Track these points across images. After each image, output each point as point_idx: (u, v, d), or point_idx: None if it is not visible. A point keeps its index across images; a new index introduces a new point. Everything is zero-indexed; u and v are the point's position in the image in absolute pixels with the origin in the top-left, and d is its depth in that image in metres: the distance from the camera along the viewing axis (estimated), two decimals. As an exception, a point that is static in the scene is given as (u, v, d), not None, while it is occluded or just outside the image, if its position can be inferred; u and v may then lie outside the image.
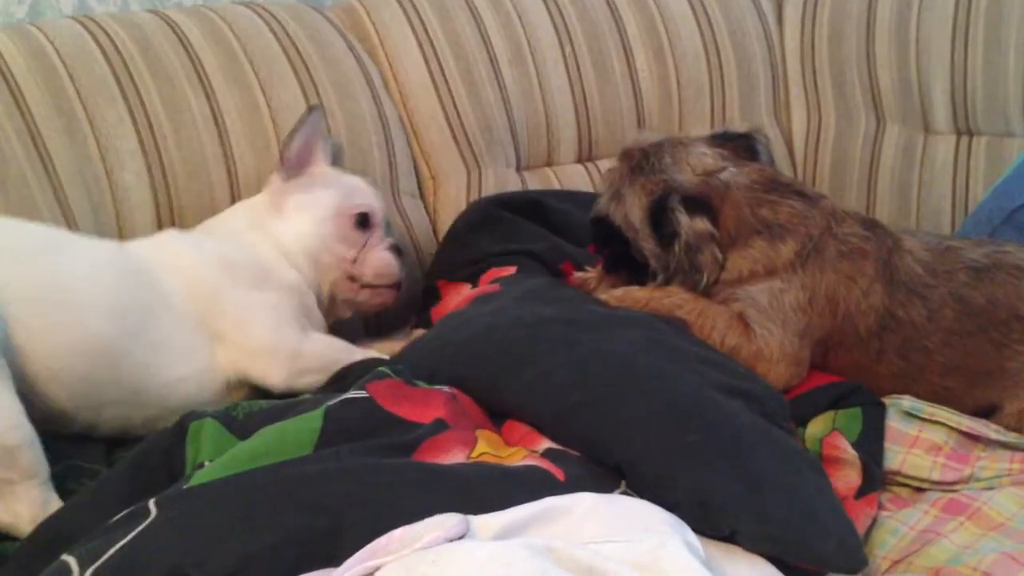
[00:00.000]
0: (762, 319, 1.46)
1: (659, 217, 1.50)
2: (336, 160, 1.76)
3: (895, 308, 1.48)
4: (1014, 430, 1.43)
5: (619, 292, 1.56)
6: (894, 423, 1.42)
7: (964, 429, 1.40)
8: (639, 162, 1.55)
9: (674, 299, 1.50)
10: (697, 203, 1.50)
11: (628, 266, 1.58)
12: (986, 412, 1.46)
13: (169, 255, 1.51)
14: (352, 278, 1.65)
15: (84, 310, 1.37)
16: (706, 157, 1.54)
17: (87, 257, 1.43)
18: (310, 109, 1.65)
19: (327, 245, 1.62)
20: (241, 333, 1.49)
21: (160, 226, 1.69)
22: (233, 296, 1.50)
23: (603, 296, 1.56)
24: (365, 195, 1.67)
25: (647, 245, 1.53)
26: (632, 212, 1.53)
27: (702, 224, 1.48)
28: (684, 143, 1.58)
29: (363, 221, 1.65)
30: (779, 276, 1.48)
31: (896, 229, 1.56)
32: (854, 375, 1.49)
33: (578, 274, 1.67)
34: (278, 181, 1.63)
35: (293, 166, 1.63)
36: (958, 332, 1.47)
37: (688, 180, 1.52)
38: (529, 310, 1.42)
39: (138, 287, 1.44)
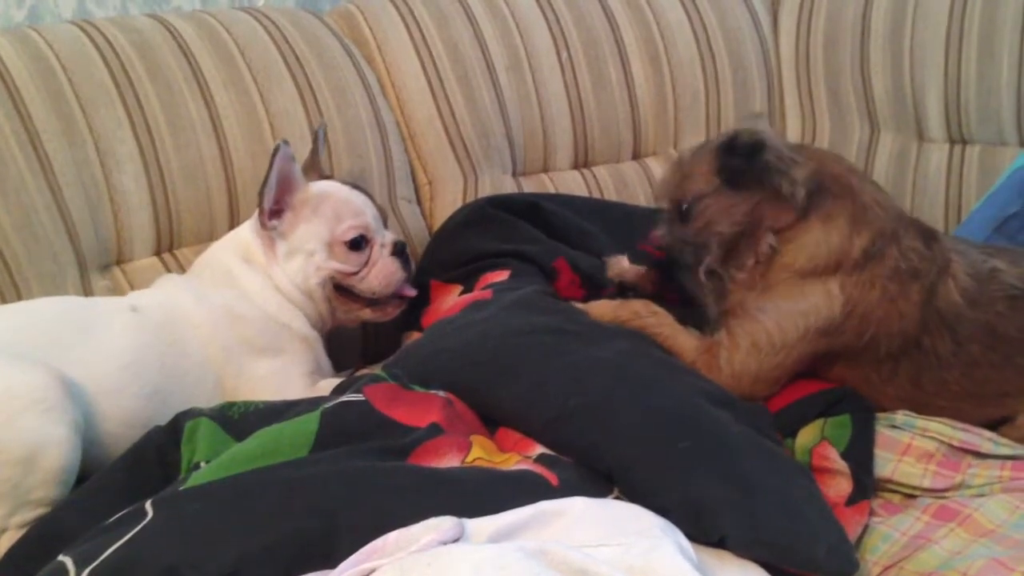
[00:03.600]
0: (737, 355, 1.41)
1: (726, 162, 1.41)
2: (321, 143, 1.72)
3: (922, 336, 1.41)
4: (1021, 440, 1.39)
5: (590, 303, 1.55)
6: (886, 430, 1.43)
7: (956, 444, 1.39)
8: (693, 149, 1.51)
9: (644, 320, 1.48)
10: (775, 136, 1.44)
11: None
12: (996, 423, 1.43)
13: (182, 313, 1.51)
14: (356, 296, 1.63)
15: (122, 398, 1.41)
16: None
17: (114, 336, 1.44)
18: (276, 148, 1.56)
19: (327, 275, 1.60)
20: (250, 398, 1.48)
21: (158, 229, 1.69)
22: (243, 364, 1.52)
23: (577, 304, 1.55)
24: (352, 213, 1.61)
25: (713, 204, 1.43)
26: (696, 177, 1.45)
27: (786, 140, 1.42)
28: None
29: (357, 242, 1.61)
30: (838, 277, 1.40)
31: (946, 242, 1.47)
32: (857, 388, 1.45)
33: (616, 257, 1.66)
34: (261, 229, 1.60)
35: (272, 214, 1.58)
36: (982, 364, 1.42)
37: None
38: (521, 319, 1.43)
39: (162, 355, 1.46)
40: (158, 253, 1.72)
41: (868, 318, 1.41)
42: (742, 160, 1.41)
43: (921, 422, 1.42)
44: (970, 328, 1.41)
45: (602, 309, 1.52)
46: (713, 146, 1.47)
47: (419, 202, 1.98)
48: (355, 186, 1.68)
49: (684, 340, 1.46)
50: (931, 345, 1.41)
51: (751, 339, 1.41)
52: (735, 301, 1.46)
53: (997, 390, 1.44)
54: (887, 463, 1.39)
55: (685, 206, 1.47)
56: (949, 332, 1.42)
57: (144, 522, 1.06)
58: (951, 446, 1.39)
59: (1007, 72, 2.00)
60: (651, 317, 1.49)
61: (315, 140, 1.70)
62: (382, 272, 1.62)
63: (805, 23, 2.26)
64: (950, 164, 2.09)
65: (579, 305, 1.56)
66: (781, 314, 1.41)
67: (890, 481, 1.38)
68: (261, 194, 1.56)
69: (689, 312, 1.53)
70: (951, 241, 1.50)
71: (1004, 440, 1.41)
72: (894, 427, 1.43)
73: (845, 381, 1.46)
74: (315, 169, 1.69)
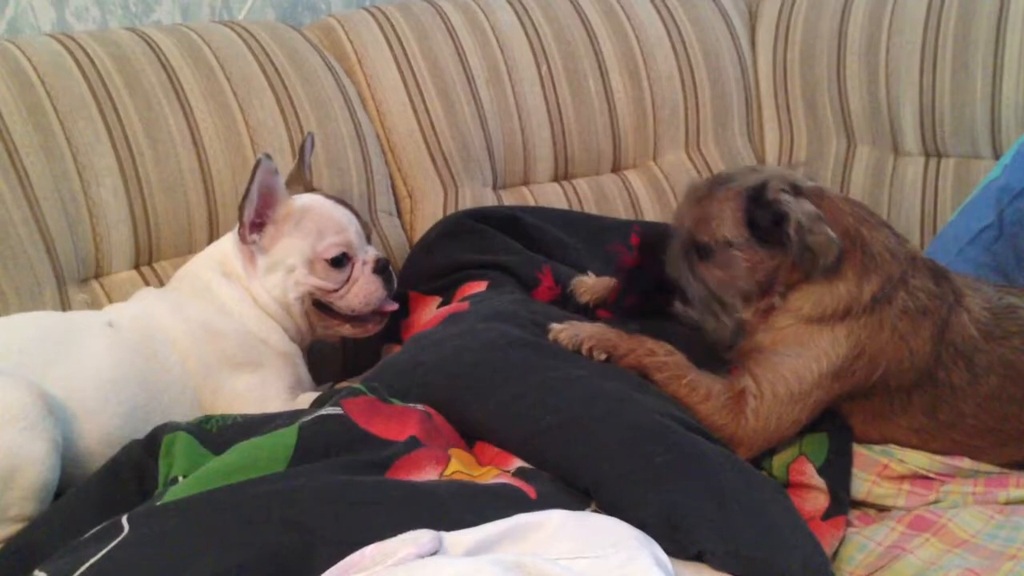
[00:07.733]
0: (763, 405, 1.36)
1: (755, 214, 1.39)
2: (307, 151, 1.70)
3: (937, 369, 1.40)
4: None
5: (584, 327, 1.44)
6: (864, 450, 1.44)
7: (932, 475, 1.41)
8: (713, 181, 1.46)
9: (659, 359, 1.39)
10: (798, 189, 1.39)
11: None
12: (1019, 465, 1.42)
13: (159, 327, 1.50)
14: (335, 313, 1.62)
15: (101, 417, 1.40)
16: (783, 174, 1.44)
17: (94, 353, 1.42)
18: (257, 162, 1.53)
19: (307, 291, 1.59)
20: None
21: (137, 242, 1.69)
22: (221, 379, 1.51)
23: (565, 335, 1.42)
24: (334, 230, 1.59)
25: (742, 257, 1.40)
26: (723, 220, 1.41)
27: (809, 206, 1.37)
28: (754, 169, 1.48)
29: (339, 260, 1.59)
30: (846, 323, 1.38)
31: (958, 280, 1.47)
32: (867, 419, 1.44)
33: (579, 278, 1.62)
34: (241, 244, 1.58)
35: (254, 227, 1.57)
36: (999, 398, 1.41)
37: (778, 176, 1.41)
38: (498, 332, 1.42)
39: (141, 371, 1.45)
40: (137, 266, 1.71)
41: (878, 358, 1.40)
42: (769, 218, 1.39)
43: (899, 453, 1.42)
44: (987, 360, 1.41)
45: (606, 336, 1.41)
46: (739, 189, 1.42)
47: (399, 215, 1.99)
48: (340, 200, 1.67)
49: (709, 384, 1.38)
50: (946, 378, 1.41)
51: (772, 389, 1.38)
52: (749, 344, 1.43)
53: (1018, 429, 1.42)
54: (862, 483, 1.40)
55: (710, 246, 1.42)
56: (965, 363, 1.41)
57: (120, 537, 1.05)
58: (926, 477, 1.41)
59: (981, 86, 2.03)
60: (669, 357, 1.40)
61: (301, 151, 1.69)
62: (363, 290, 1.60)
63: (782, 38, 2.28)
64: (925, 177, 2.12)
65: (573, 329, 1.42)
66: (797, 362, 1.38)
67: (864, 503, 1.40)
68: (241, 208, 1.55)
69: (649, 325, 1.47)
70: (963, 279, 1.49)
71: (984, 465, 1.42)
72: (872, 451, 1.44)
73: (852, 414, 1.44)
74: (301, 181, 1.68)
